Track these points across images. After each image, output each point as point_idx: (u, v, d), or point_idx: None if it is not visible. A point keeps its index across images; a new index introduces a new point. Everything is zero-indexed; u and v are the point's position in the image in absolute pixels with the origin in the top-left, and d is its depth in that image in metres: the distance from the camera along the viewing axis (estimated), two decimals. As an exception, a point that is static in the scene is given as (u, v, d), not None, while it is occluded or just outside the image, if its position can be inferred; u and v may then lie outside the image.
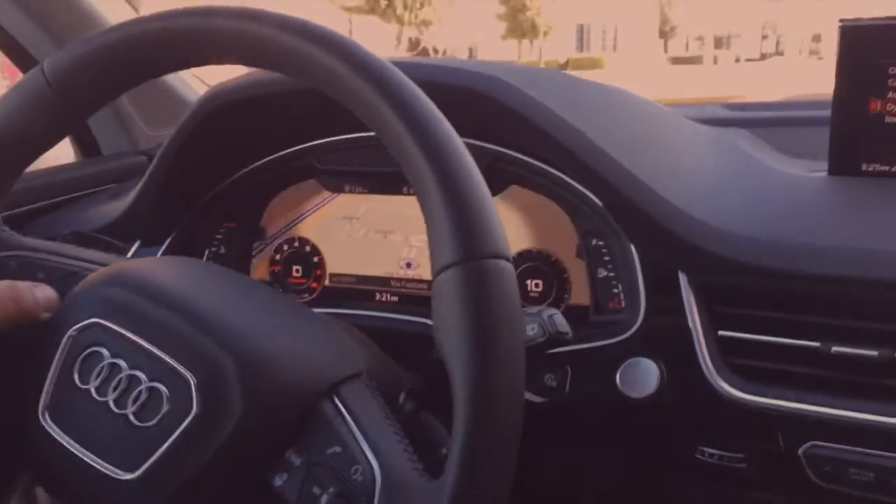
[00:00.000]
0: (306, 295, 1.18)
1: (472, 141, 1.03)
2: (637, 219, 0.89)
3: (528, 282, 1.07)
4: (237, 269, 1.19)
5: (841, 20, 1.02)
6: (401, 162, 0.61)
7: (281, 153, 1.13)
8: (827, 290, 0.84)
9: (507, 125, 0.94)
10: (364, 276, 1.15)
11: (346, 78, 0.62)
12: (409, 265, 1.13)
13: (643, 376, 0.90)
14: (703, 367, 0.88)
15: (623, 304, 0.99)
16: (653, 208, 0.89)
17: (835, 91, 1.04)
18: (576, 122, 0.90)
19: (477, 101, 0.91)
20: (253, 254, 1.21)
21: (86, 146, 1.46)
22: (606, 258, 1.01)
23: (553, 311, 0.76)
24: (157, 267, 0.76)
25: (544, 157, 0.99)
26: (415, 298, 1.13)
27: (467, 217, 0.57)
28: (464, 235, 0.57)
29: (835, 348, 0.82)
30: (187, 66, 0.71)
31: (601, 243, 1.01)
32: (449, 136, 0.60)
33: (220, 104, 1.02)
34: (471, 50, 44.60)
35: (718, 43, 38.62)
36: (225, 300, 0.70)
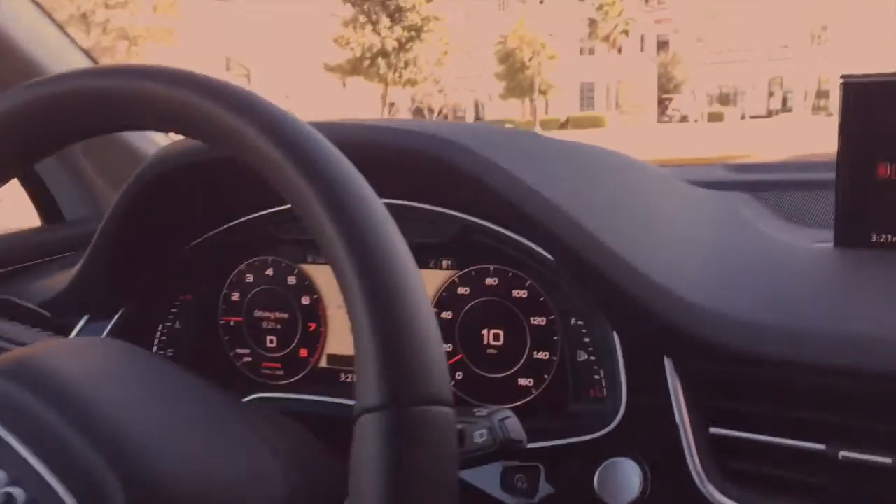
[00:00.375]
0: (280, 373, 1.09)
1: (439, 209, 0.94)
2: (614, 297, 0.79)
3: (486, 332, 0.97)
4: (195, 345, 1.10)
5: (843, 76, 0.92)
6: (323, 252, 0.52)
7: (236, 222, 1.04)
8: (834, 383, 0.73)
9: (466, 191, 0.84)
10: (334, 354, 1.06)
11: (255, 142, 0.53)
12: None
13: (624, 480, 0.79)
14: (692, 470, 0.77)
15: (605, 392, 0.89)
16: (631, 285, 0.78)
17: (838, 154, 0.94)
18: (541, 187, 0.81)
19: (428, 165, 0.82)
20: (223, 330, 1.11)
21: (48, 211, 1.39)
22: (586, 339, 0.91)
23: (506, 413, 0.65)
24: (65, 356, 0.66)
25: (512, 226, 0.89)
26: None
27: (400, 347, 0.47)
28: (394, 372, 0.47)
29: (843, 453, 0.71)
30: (90, 132, 0.63)
31: (580, 323, 0.91)
32: (383, 230, 0.51)
33: (166, 169, 0.94)
34: (477, 107, 44.93)
35: (724, 100, 38.56)
36: (132, 404, 0.60)
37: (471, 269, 0.98)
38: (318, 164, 0.52)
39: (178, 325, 1.10)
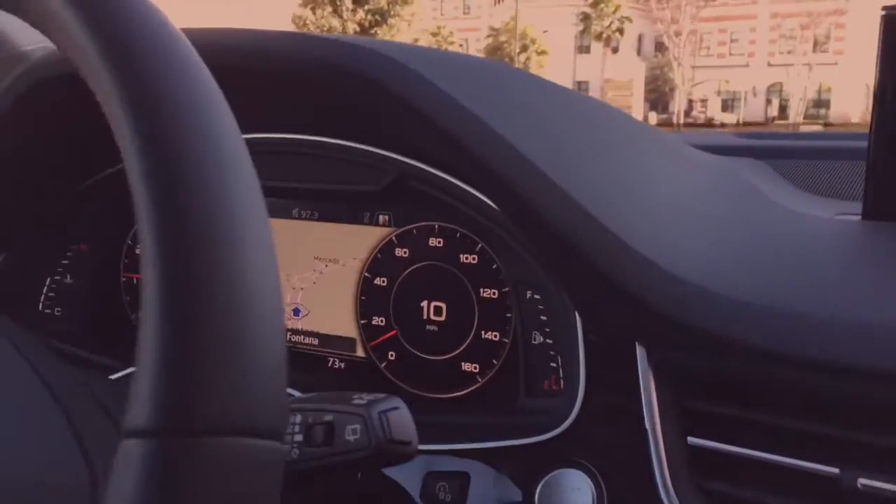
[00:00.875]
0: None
1: (372, 149, 0.76)
2: (575, 263, 0.60)
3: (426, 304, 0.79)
4: (89, 306, 0.92)
5: (885, 7, 0.73)
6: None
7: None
8: (855, 388, 0.55)
9: (404, 124, 0.66)
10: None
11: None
12: (296, 312, 0.85)
13: (571, 496, 0.61)
14: (660, 489, 0.59)
15: (563, 384, 0.70)
16: (599, 249, 0.60)
17: (875, 106, 0.75)
18: (492, 119, 0.62)
19: (349, 83, 0.64)
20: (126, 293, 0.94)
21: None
22: (543, 318, 0.72)
23: (393, 403, 0.47)
24: None
25: (457, 171, 0.71)
26: (301, 358, 0.85)
27: (196, 352, 0.31)
28: (173, 388, 0.30)
29: (863, 480, 0.53)
30: None
31: (537, 297, 0.73)
32: (210, 165, 0.34)
33: (46, 76, 0.75)
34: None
35: (724, 106, 37.72)
36: None
37: (412, 226, 0.79)
38: (133, 55, 0.34)
39: (69, 279, 0.92)
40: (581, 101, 0.86)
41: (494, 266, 0.76)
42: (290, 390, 0.74)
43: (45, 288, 0.92)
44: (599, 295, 0.61)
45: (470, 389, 0.77)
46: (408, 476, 0.67)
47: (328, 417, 0.47)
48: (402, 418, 0.45)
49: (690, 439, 0.59)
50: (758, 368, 0.58)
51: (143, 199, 0.32)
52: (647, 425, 0.60)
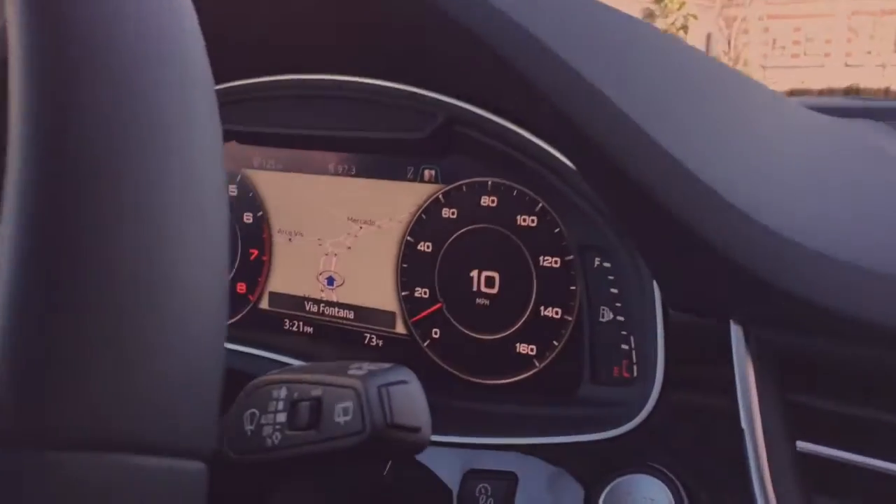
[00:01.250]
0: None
1: (414, 89, 0.65)
2: (658, 222, 0.48)
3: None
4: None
5: None
6: None
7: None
8: None
9: (452, 51, 0.55)
10: (277, 293, 0.78)
11: None
12: (329, 281, 0.75)
13: (644, 511, 0.48)
14: (760, 506, 0.46)
15: (636, 371, 0.58)
16: (686, 202, 0.47)
17: None
18: (560, 46, 0.50)
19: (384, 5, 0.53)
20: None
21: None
22: (614, 291, 0.60)
23: (400, 375, 0.35)
24: None
25: (514, 113, 0.59)
26: (334, 333, 0.74)
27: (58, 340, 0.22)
28: (21, 387, 0.22)
29: None
30: None
31: (607, 265, 0.60)
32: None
33: None
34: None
35: None
36: None
37: (461, 183, 0.68)
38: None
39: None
40: (675, 43, 0.73)
41: (557, 230, 0.64)
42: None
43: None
44: (685, 259, 0.49)
45: (525, 375, 0.66)
46: (444, 473, 0.56)
47: (316, 392, 0.35)
48: (408, 395, 0.34)
49: (799, 444, 0.46)
50: (889, 357, 0.45)
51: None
52: (744, 424, 0.47)
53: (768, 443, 0.47)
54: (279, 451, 0.36)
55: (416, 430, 0.33)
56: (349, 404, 0.34)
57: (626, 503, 0.49)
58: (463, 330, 0.69)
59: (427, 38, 0.55)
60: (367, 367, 0.35)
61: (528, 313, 0.66)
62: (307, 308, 0.76)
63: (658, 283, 0.52)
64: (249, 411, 0.39)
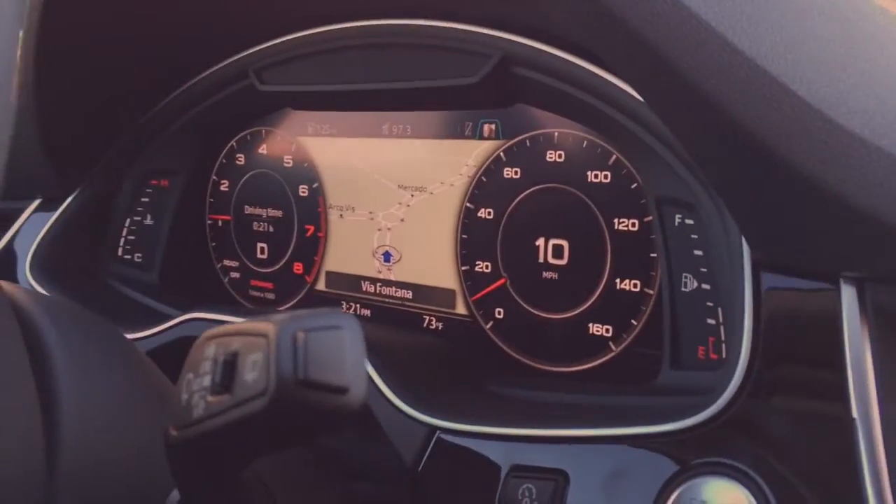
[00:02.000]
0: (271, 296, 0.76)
1: (464, 26, 0.56)
2: (752, 158, 0.37)
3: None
4: (172, 249, 0.79)
5: None
6: None
7: (205, 72, 0.72)
8: None
9: None
10: (334, 272, 0.71)
11: None
12: (386, 256, 0.67)
13: (720, 523, 0.37)
14: (877, 522, 0.34)
15: (724, 352, 0.47)
16: (792, 136, 0.36)
17: None
18: None
19: None
20: (200, 235, 0.80)
21: None
22: (698, 253, 0.49)
23: (326, 321, 0.26)
24: None
25: (576, 44, 0.50)
26: (392, 315, 0.66)
27: None
28: None
29: None
30: None
31: (690, 222, 0.49)
32: None
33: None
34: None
35: None
36: None
37: (524, 136, 0.59)
38: None
39: (148, 219, 0.79)
40: None
41: (634, 185, 0.53)
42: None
43: (125, 229, 0.79)
44: (783, 203, 0.38)
45: (599, 361, 0.55)
46: (485, 469, 0.47)
47: (235, 346, 0.27)
48: (332, 344, 0.25)
49: (933, 438, 0.34)
50: None
51: None
52: (856, 412, 0.36)
53: (888, 436, 0.35)
54: (202, 424, 0.28)
55: (341, 390, 0.24)
56: (258, 356, 0.25)
57: (699, 512, 0.38)
58: (529, 309, 0.59)
59: None
60: (301, 313, 0.26)
61: (601, 287, 0.55)
62: (364, 288, 0.68)
63: (746, 236, 0.41)
64: (187, 376, 0.31)
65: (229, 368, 0.26)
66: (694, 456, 0.40)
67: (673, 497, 0.39)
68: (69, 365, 0.39)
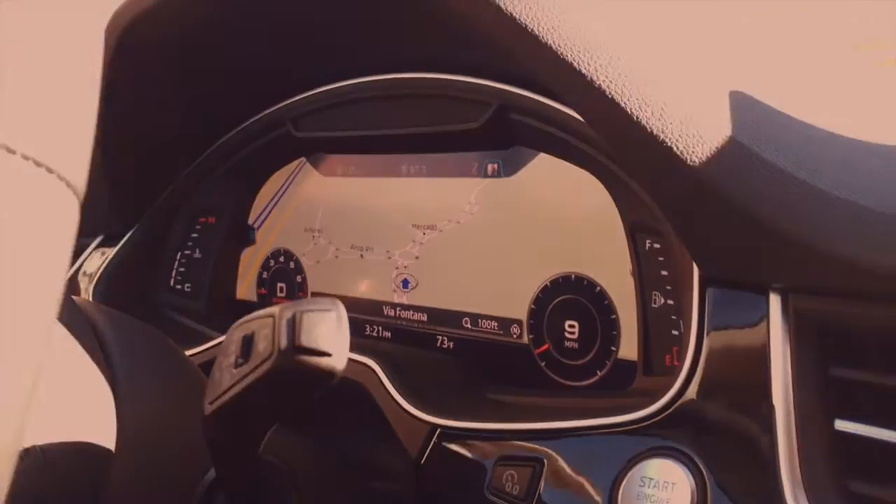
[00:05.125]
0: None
1: (466, 79, 0.64)
2: (688, 189, 0.45)
3: (564, 324, 0.64)
4: (216, 280, 0.88)
5: None
6: None
7: (248, 122, 0.81)
8: None
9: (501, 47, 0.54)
10: (350, 297, 0.79)
11: None
12: (405, 283, 0.75)
13: (663, 496, 0.44)
14: (788, 490, 0.41)
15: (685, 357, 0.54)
16: (720, 169, 0.44)
17: None
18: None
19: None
20: (241, 268, 0.89)
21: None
22: (664, 273, 0.56)
23: (318, 305, 0.34)
24: None
25: (565, 98, 0.58)
26: (411, 337, 0.74)
27: None
28: None
29: None
30: None
31: (657, 246, 0.57)
32: None
33: (136, 38, 0.72)
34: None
35: None
36: None
37: (521, 173, 0.67)
38: None
39: (197, 253, 0.89)
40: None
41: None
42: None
43: (176, 262, 0.89)
44: (716, 225, 0.45)
45: (602, 374, 0.62)
46: (478, 464, 0.54)
47: (252, 327, 0.35)
48: (318, 320, 0.33)
49: (838, 422, 0.41)
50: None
51: None
52: (776, 400, 0.42)
53: (802, 421, 0.41)
54: (229, 392, 0.36)
55: (326, 354, 0.32)
56: (267, 331, 0.33)
57: (646, 488, 0.45)
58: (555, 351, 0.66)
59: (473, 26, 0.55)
60: (303, 300, 0.35)
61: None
62: (384, 313, 0.76)
63: (692, 254, 0.48)
64: (218, 359, 0.39)
65: (248, 343, 0.35)
66: (644, 443, 0.46)
67: (627, 476, 0.46)
68: (128, 362, 0.47)
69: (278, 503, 0.49)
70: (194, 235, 0.89)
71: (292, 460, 0.52)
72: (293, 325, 0.32)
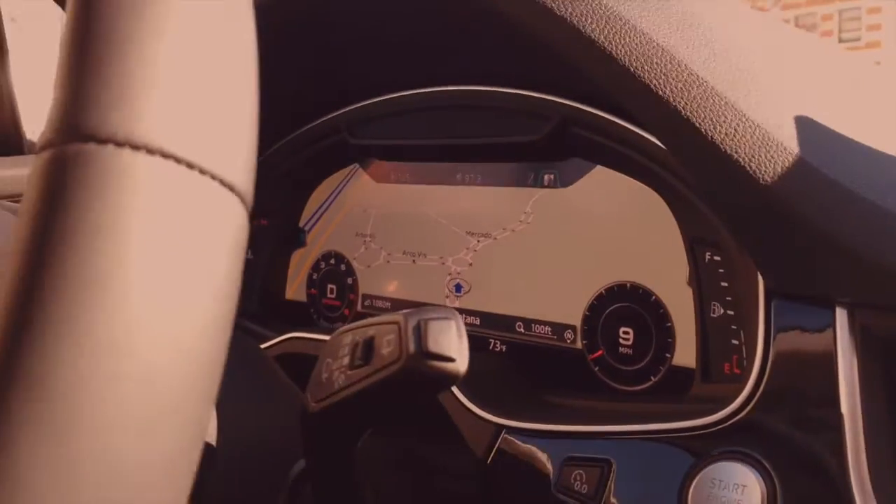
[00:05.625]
0: (339, 323, 0.87)
1: (529, 93, 0.67)
2: (759, 206, 0.47)
3: (619, 331, 0.67)
4: (268, 280, 0.91)
5: None
6: None
7: (305, 127, 0.84)
8: None
9: (567, 60, 0.56)
10: (401, 300, 0.81)
11: None
12: (458, 288, 0.77)
13: (733, 497, 0.46)
14: (857, 492, 0.43)
15: (745, 365, 0.56)
16: (790, 187, 0.46)
17: None
18: (673, 43, 0.51)
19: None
20: (290, 269, 0.92)
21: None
22: (724, 284, 0.58)
23: (440, 313, 0.37)
24: None
25: (621, 109, 0.60)
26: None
27: (85, 62, 0.25)
28: (70, 98, 0.25)
29: None
30: None
31: (717, 259, 0.59)
32: None
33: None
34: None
35: None
36: None
37: (577, 184, 0.69)
38: None
39: (249, 255, 0.91)
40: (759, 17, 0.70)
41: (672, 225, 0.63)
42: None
43: (228, 263, 0.91)
44: (785, 241, 0.47)
45: (656, 380, 0.65)
46: (544, 460, 0.56)
47: (371, 332, 0.38)
48: (445, 328, 0.35)
49: (907, 432, 0.43)
50: None
51: None
52: (844, 407, 0.45)
53: (870, 430, 0.44)
54: (343, 392, 0.39)
55: (450, 359, 0.35)
56: (392, 336, 0.36)
57: (716, 490, 0.47)
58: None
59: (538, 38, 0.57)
60: (422, 308, 0.37)
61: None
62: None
63: (759, 269, 0.50)
64: (325, 360, 0.42)
65: (368, 347, 0.37)
66: (714, 447, 0.49)
67: (697, 478, 0.48)
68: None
69: (358, 498, 0.51)
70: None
71: (366, 459, 0.55)
72: (419, 332, 0.35)
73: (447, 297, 0.78)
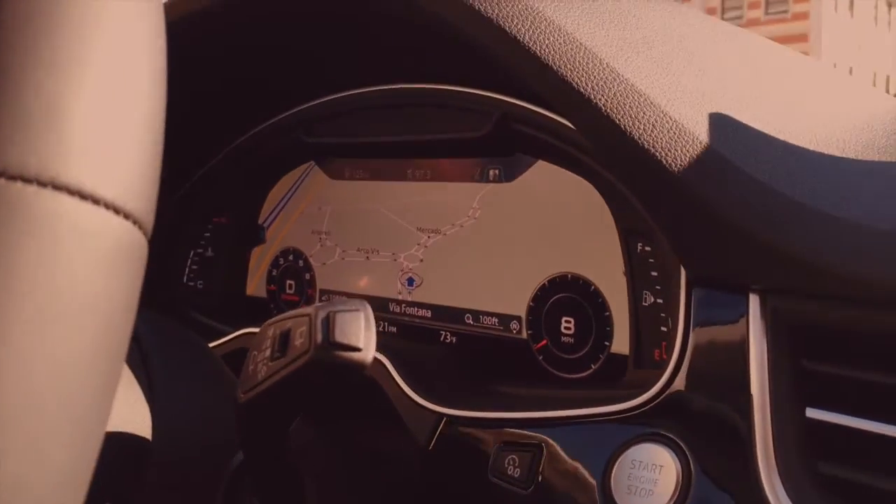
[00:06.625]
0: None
1: (470, 90, 0.69)
2: (674, 197, 0.49)
3: (561, 320, 0.69)
4: (228, 277, 0.92)
5: None
6: None
7: (260, 126, 0.86)
8: None
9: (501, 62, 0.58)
10: (357, 295, 0.83)
11: None
12: (410, 282, 0.79)
13: (651, 477, 0.49)
14: (763, 470, 0.45)
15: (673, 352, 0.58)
16: (702, 178, 0.48)
17: None
18: (591, 39, 0.52)
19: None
20: (251, 265, 0.93)
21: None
22: (654, 274, 0.61)
23: (350, 305, 0.39)
24: None
25: (562, 114, 0.62)
26: (416, 332, 0.78)
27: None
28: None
29: None
30: None
31: (648, 249, 0.61)
32: None
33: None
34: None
35: None
36: None
37: (520, 179, 0.71)
38: None
39: (209, 252, 0.93)
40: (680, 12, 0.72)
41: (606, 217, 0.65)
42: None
43: (189, 260, 0.93)
44: (701, 231, 0.49)
45: (595, 368, 0.67)
46: (482, 449, 0.58)
47: (288, 325, 0.40)
48: (349, 319, 0.37)
49: (809, 411, 0.45)
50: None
51: None
52: (753, 391, 0.47)
53: (776, 409, 0.46)
54: (265, 383, 0.41)
55: (356, 349, 0.37)
56: (304, 328, 0.38)
57: (636, 470, 0.49)
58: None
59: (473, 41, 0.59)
60: (334, 300, 0.39)
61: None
62: (390, 309, 0.81)
63: (680, 258, 0.52)
64: (252, 353, 0.44)
65: (284, 339, 0.39)
66: (634, 429, 0.51)
67: (619, 460, 0.50)
68: (161, 357, 0.51)
69: (297, 485, 0.53)
70: (207, 235, 0.93)
71: (308, 447, 0.57)
72: (328, 323, 0.37)
73: (400, 291, 0.79)
